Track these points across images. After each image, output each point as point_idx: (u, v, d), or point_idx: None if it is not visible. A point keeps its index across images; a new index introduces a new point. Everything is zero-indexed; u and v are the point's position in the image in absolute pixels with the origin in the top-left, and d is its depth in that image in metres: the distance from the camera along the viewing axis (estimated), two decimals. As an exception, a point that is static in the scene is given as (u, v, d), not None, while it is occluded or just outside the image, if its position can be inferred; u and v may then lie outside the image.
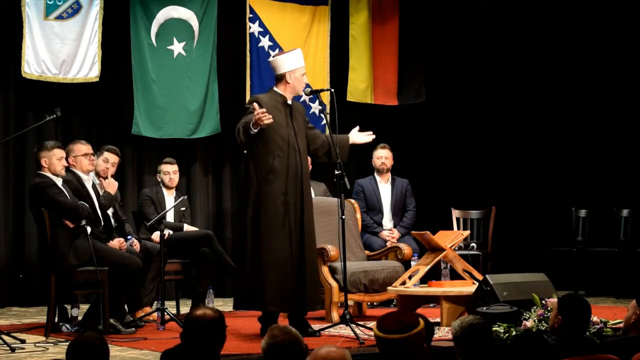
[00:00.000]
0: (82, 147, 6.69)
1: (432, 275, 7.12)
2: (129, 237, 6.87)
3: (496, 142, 10.38)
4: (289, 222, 5.97)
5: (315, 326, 6.14)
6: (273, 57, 6.30)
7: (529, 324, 5.38)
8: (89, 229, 6.32)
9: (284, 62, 6.14)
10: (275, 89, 6.19)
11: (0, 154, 8.22)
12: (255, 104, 5.89)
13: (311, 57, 9.49)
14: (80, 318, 6.54)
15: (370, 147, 8.57)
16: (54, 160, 6.36)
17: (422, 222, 8.65)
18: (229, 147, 9.18)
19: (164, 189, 7.74)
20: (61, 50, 8.25)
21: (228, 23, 9.27)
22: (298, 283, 5.97)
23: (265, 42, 9.31)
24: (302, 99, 8.98)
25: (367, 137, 6.40)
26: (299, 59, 6.17)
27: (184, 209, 7.84)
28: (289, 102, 6.17)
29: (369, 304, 7.47)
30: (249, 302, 6.03)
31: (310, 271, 6.04)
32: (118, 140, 8.38)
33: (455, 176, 10.36)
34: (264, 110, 5.77)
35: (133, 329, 6.38)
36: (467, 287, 6.49)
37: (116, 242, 6.58)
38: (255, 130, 5.79)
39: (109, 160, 7.12)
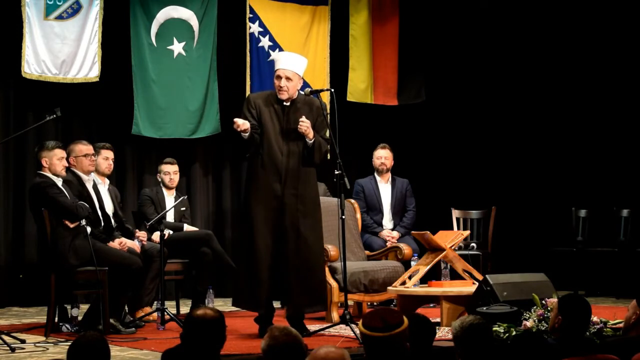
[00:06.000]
0: (82, 148, 6.70)
1: (432, 275, 7.12)
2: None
3: (496, 142, 10.37)
4: (267, 224, 5.97)
5: (316, 326, 6.15)
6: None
7: (529, 324, 5.38)
8: (89, 229, 6.33)
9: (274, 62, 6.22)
10: None
11: (0, 154, 8.22)
12: (240, 119, 5.95)
13: (311, 57, 9.47)
14: (80, 318, 6.54)
15: (370, 147, 8.59)
16: (54, 161, 6.36)
17: (422, 222, 8.64)
18: (229, 147, 9.18)
19: (164, 189, 7.74)
20: (61, 50, 8.25)
21: (228, 23, 9.26)
22: (276, 283, 5.98)
23: (265, 42, 9.31)
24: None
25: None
26: (277, 59, 6.17)
27: (184, 209, 7.84)
28: (285, 102, 6.12)
29: (369, 304, 7.47)
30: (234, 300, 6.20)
31: (297, 271, 5.99)
32: (118, 140, 8.38)
33: (455, 176, 10.35)
34: (242, 120, 5.91)
35: (133, 329, 6.39)
36: (467, 287, 6.48)
37: (116, 243, 6.59)
38: (246, 136, 5.91)
39: (109, 157, 7.15)
